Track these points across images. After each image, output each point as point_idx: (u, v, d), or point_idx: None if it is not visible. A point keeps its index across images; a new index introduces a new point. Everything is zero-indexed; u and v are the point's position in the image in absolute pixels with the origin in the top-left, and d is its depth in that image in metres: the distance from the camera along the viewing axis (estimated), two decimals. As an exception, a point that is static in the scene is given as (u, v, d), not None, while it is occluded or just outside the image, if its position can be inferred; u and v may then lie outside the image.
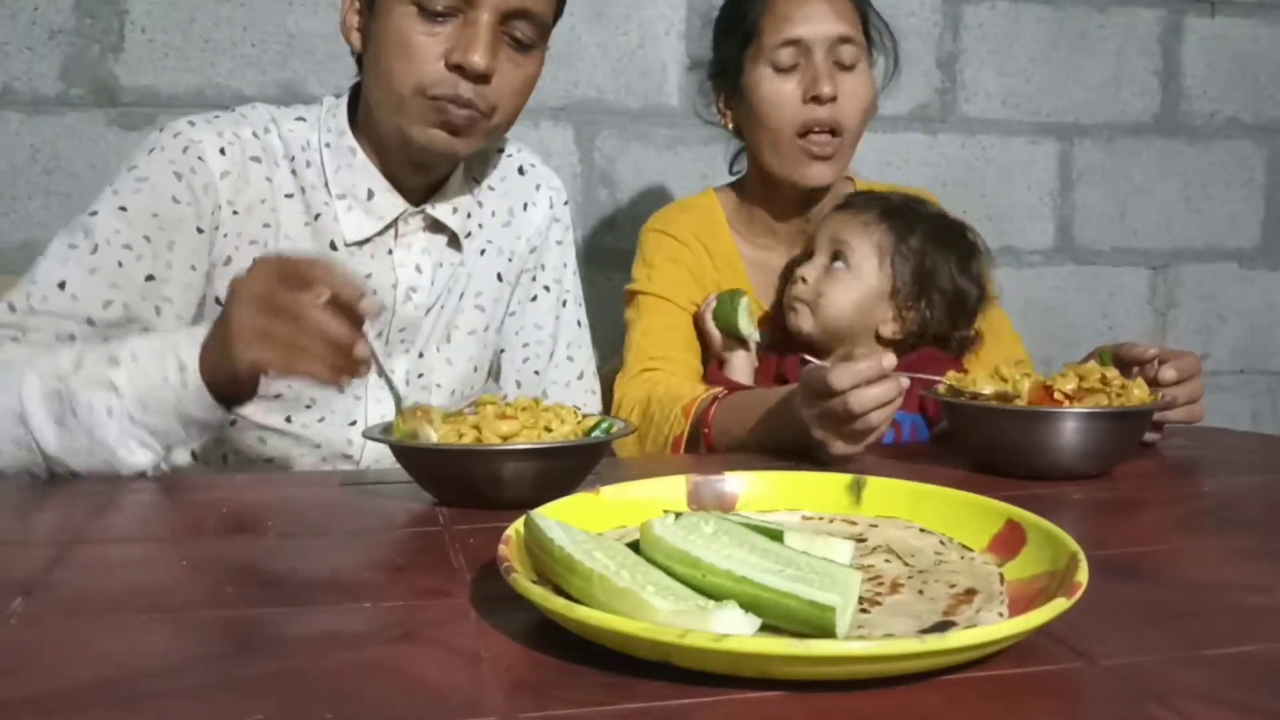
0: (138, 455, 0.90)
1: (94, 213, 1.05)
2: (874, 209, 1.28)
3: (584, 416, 0.87)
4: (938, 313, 1.25)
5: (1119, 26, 2.03)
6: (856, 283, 1.25)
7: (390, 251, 1.15)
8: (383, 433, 0.84)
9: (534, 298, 1.30)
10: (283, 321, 0.83)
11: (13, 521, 0.79)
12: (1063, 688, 0.47)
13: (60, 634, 0.53)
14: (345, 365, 0.84)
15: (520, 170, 1.28)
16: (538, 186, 1.29)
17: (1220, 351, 2.12)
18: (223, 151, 1.08)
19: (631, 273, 1.41)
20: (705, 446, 1.17)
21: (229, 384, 0.90)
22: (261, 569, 0.65)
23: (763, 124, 1.31)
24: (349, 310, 0.83)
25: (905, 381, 0.95)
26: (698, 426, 1.17)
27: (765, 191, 1.38)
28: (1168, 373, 1.02)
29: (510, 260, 1.26)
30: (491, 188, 1.25)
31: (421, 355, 1.19)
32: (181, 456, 1.05)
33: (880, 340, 1.26)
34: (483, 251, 1.23)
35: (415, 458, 0.82)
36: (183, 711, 0.44)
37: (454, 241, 1.19)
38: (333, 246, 1.12)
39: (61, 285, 1.01)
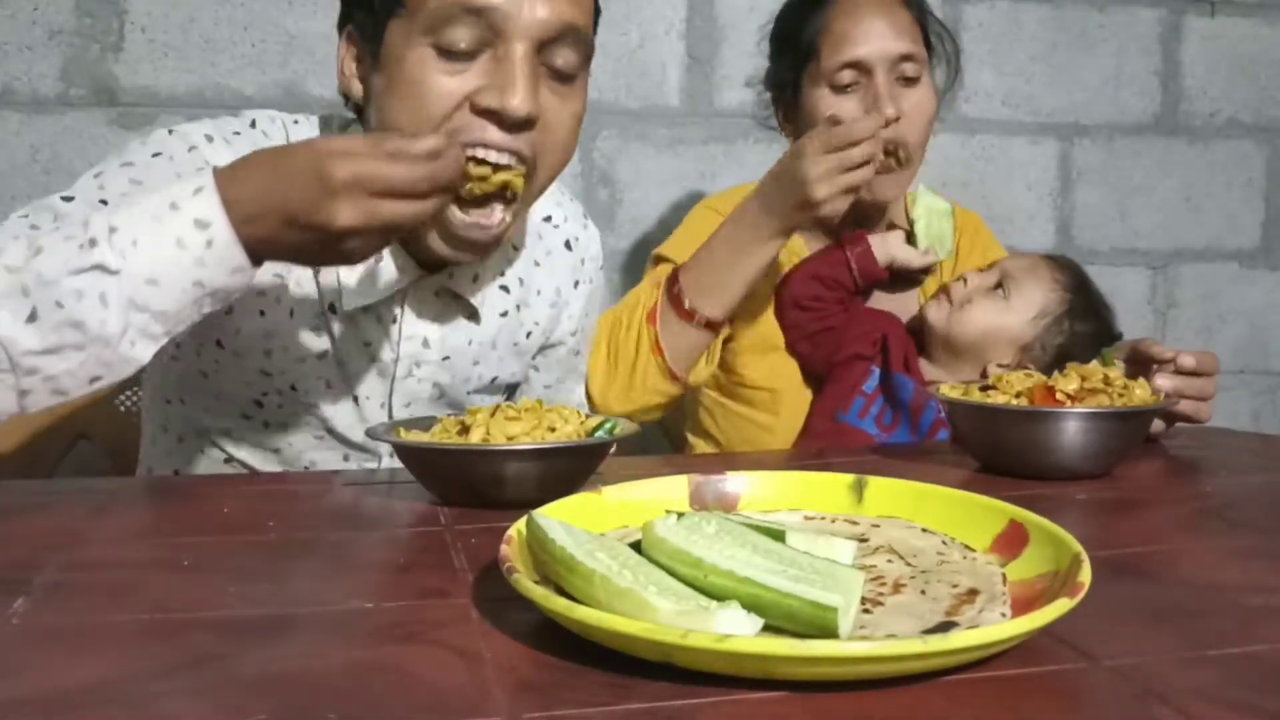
0: (139, 347, 0.77)
1: (68, 198, 0.89)
2: (1066, 275, 1.29)
3: (586, 417, 0.87)
4: None
5: (1119, 26, 2.03)
6: (1002, 315, 1.26)
7: (395, 320, 1.02)
8: (387, 432, 0.84)
9: (551, 346, 1.20)
10: (389, 203, 0.75)
11: (14, 521, 0.79)
12: (1066, 688, 0.47)
13: (61, 634, 0.53)
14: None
15: (567, 245, 1.15)
16: (583, 261, 1.18)
17: (1220, 351, 2.09)
18: None
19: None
20: (677, 314, 1.22)
21: (267, 246, 0.78)
22: (263, 569, 0.65)
23: None
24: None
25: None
26: (669, 292, 1.23)
27: None
28: (1186, 360, 1.03)
29: (536, 334, 1.15)
30: (537, 263, 1.12)
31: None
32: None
33: (983, 376, 1.26)
34: (504, 313, 1.09)
35: (418, 457, 0.82)
36: (183, 711, 0.44)
37: (471, 312, 1.05)
38: (332, 309, 0.99)
39: None
